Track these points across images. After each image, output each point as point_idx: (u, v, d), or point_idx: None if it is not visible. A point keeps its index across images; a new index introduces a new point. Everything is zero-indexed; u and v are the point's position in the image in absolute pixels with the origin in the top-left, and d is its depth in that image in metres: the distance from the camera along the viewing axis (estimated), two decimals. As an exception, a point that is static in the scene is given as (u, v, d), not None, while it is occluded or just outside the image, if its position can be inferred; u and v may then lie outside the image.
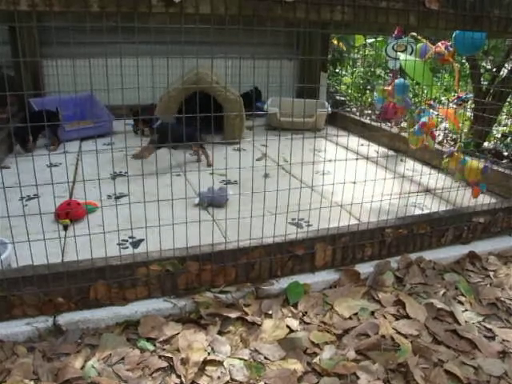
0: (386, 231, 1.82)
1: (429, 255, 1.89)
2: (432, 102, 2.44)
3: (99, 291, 1.46)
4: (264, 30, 1.55)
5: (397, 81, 2.53)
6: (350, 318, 1.54)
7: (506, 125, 4.55)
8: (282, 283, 1.66)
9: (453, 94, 3.90)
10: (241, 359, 1.33)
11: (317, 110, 3.90)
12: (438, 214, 1.96)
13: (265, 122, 4.21)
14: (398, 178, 2.65)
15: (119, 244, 1.79)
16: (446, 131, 4.12)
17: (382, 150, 3.15)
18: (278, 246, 1.65)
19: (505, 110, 4.59)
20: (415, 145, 2.48)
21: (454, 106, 2.35)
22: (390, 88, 2.56)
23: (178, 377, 1.26)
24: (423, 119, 2.35)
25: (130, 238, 1.89)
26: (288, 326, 1.47)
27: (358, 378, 1.28)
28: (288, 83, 4.70)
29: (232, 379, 1.26)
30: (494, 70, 4.16)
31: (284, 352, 1.37)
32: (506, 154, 3.94)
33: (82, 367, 1.28)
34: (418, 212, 2.22)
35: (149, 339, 1.40)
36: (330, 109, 4.14)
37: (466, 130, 4.40)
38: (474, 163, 2.17)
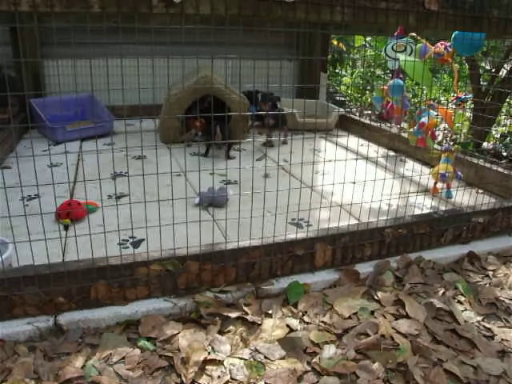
0: (386, 231, 1.82)
1: (428, 255, 1.90)
2: (432, 102, 2.45)
3: (100, 291, 1.46)
4: (264, 30, 1.56)
5: (391, 81, 2.54)
6: (350, 317, 1.54)
7: (505, 125, 4.56)
8: (282, 283, 1.66)
9: (452, 94, 3.90)
10: (241, 359, 1.34)
11: (332, 111, 3.95)
12: (438, 214, 1.96)
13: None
14: (397, 178, 2.66)
15: (120, 244, 1.79)
16: (445, 131, 4.13)
17: (382, 150, 3.16)
18: (278, 245, 1.65)
19: (504, 111, 4.59)
20: (414, 144, 2.51)
21: (454, 107, 2.37)
22: (386, 87, 2.58)
23: (179, 376, 1.27)
24: (423, 119, 2.36)
25: (130, 237, 1.89)
26: (288, 326, 1.48)
27: (357, 377, 1.29)
28: (288, 83, 4.70)
29: (232, 378, 1.27)
30: (494, 70, 4.16)
31: (284, 351, 1.37)
32: (505, 154, 3.94)
33: (83, 366, 1.28)
34: (417, 212, 2.23)
35: (149, 339, 1.40)
36: (341, 109, 4.16)
37: (465, 130, 4.42)
38: (449, 167, 2.30)
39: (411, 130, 2.48)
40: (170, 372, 1.29)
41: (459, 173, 2.37)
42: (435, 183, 2.46)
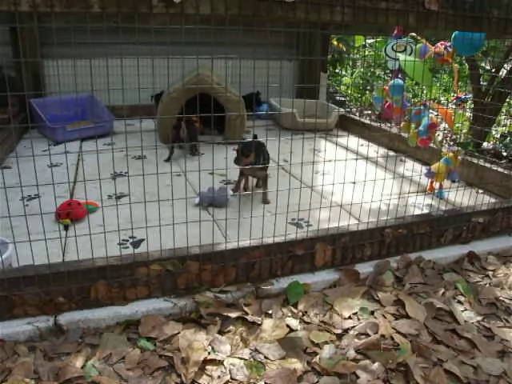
0: (386, 231, 1.82)
1: (428, 255, 1.90)
2: (427, 102, 2.46)
3: (100, 291, 1.46)
4: (264, 30, 1.56)
5: (391, 81, 2.55)
6: (350, 317, 1.54)
7: (505, 125, 4.56)
8: (282, 283, 1.66)
9: (452, 94, 3.91)
10: (241, 359, 1.34)
11: (332, 111, 3.96)
12: (438, 214, 1.96)
13: (272, 122, 4.20)
14: (397, 178, 2.66)
15: (120, 244, 1.79)
16: (446, 131, 4.13)
17: (382, 150, 3.16)
18: (278, 245, 1.65)
19: (504, 111, 4.60)
20: (414, 144, 2.52)
21: (454, 107, 2.37)
22: (387, 87, 2.58)
23: (179, 376, 1.27)
24: (426, 119, 2.36)
25: (130, 237, 1.89)
26: (288, 326, 1.48)
27: (357, 377, 1.29)
28: (288, 83, 4.70)
29: (232, 378, 1.27)
30: (494, 70, 4.16)
31: (284, 351, 1.37)
32: (504, 154, 3.95)
33: (83, 366, 1.28)
34: (417, 212, 2.23)
35: (149, 339, 1.40)
36: (341, 109, 4.16)
37: (465, 131, 4.42)
38: (442, 166, 2.37)
39: (416, 130, 2.48)
40: (170, 372, 1.29)
41: (456, 174, 2.37)
42: (431, 181, 2.50)
